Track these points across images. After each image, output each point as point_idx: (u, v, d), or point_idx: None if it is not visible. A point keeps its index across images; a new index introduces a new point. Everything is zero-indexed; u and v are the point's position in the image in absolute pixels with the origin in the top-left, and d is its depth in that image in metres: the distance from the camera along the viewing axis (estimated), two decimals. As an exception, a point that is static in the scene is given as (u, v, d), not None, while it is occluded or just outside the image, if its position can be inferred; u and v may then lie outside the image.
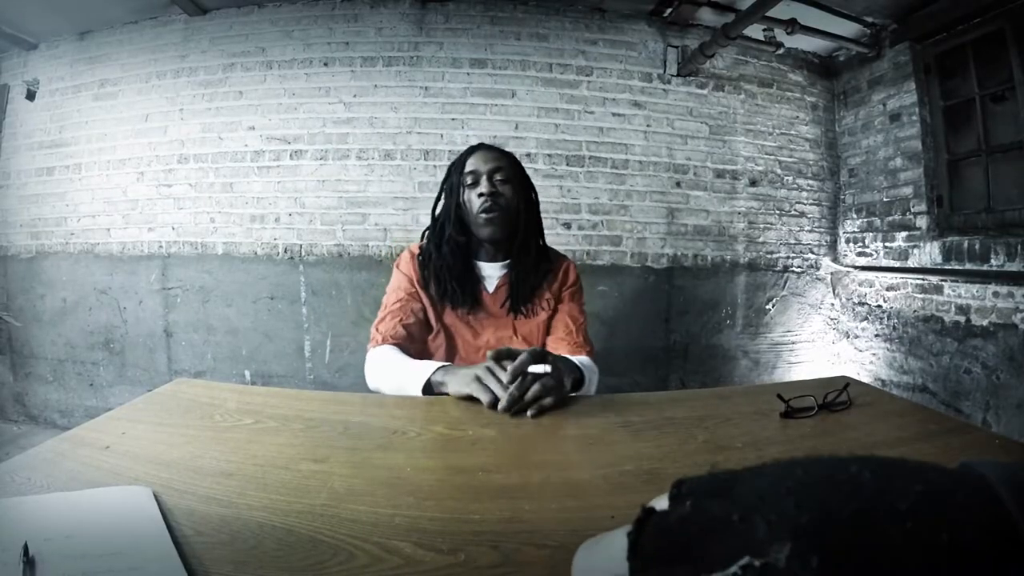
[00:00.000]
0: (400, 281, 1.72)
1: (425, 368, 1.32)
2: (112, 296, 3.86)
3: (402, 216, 3.62)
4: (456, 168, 1.68)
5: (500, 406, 1.10)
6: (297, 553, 0.61)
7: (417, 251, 1.75)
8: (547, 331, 1.74)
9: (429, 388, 1.29)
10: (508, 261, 1.71)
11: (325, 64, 3.66)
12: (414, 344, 1.63)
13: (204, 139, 3.72)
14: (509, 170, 1.66)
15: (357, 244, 3.64)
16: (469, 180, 1.63)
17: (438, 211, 1.72)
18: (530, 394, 1.12)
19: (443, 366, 1.32)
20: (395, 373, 1.43)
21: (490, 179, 1.61)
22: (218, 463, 0.85)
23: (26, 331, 4.04)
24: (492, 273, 1.71)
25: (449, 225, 1.65)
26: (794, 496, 0.30)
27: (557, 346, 1.66)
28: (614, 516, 0.70)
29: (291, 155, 3.67)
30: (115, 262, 3.85)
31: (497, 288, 1.71)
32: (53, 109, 3.95)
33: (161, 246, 3.79)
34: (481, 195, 1.60)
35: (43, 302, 3.99)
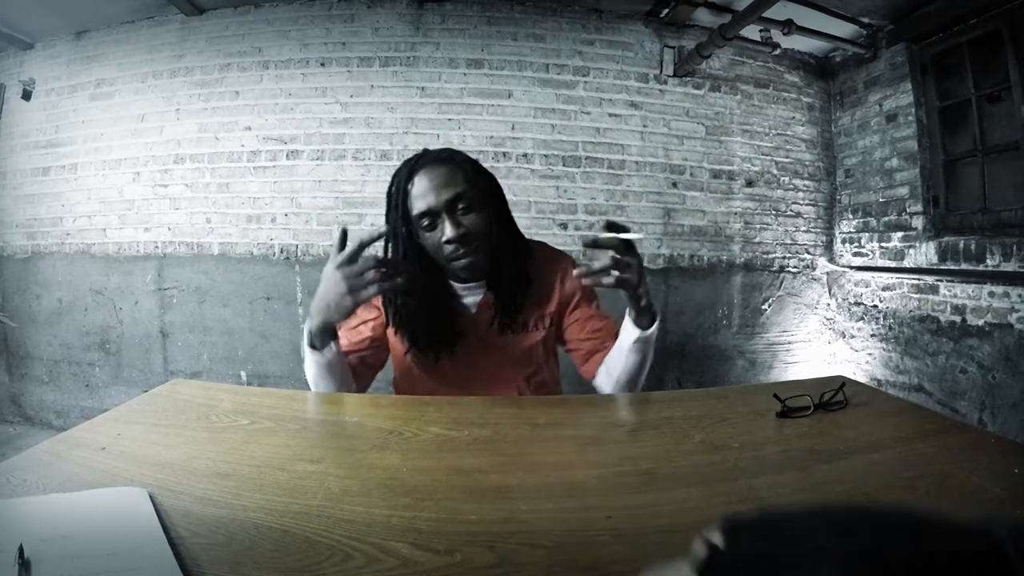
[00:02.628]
0: (364, 310, 1.42)
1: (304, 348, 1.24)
2: (108, 296, 3.85)
3: (399, 216, 3.61)
4: (399, 205, 1.32)
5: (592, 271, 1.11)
6: (293, 554, 0.61)
7: None
8: (546, 350, 1.51)
9: (320, 344, 1.22)
10: (484, 280, 1.43)
11: (322, 64, 3.65)
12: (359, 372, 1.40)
13: (200, 139, 3.72)
14: (469, 190, 1.31)
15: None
16: (425, 222, 1.29)
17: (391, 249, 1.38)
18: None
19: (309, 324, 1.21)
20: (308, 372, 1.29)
21: (451, 214, 1.28)
22: (214, 464, 0.85)
23: (22, 332, 4.03)
24: (471, 293, 1.44)
25: (413, 264, 1.33)
26: (852, 542, 0.32)
27: (594, 347, 1.44)
28: (610, 516, 0.70)
29: (287, 155, 3.66)
30: (111, 262, 3.84)
31: (480, 307, 1.44)
32: (49, 109, 3.94)
33: (157, 246, 3.78)
34: (448, 241, 1.28)
35: (39, 302, 3.98)
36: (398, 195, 1.32)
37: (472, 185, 1.32)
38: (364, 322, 1.43)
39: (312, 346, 1.21)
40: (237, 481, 0.79)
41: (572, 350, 1.50)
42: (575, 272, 1.05)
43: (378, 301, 1.41)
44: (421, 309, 1.36)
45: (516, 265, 1.41)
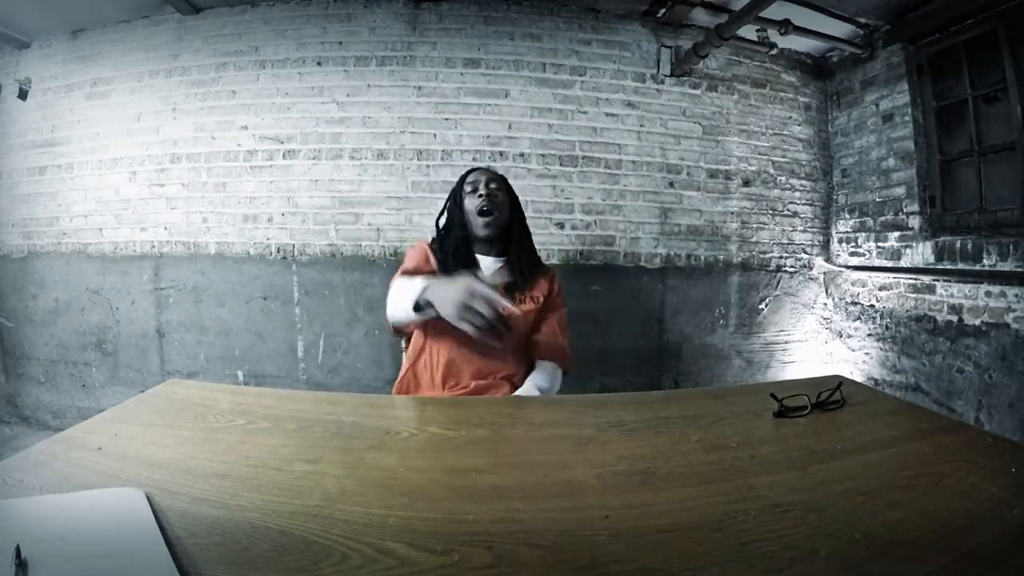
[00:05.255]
0: (415, 254, 1.97)
1: (413, 288, 1.59)
2: (104, 296, 3.84)
3: (395, 216, 3.61)
4: (458, 184, 2.01)
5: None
6: (290, 554, 0.61)
7: (431, 248, 2.00)
8: (532, 323, 1.95)
9: (419, 307, 1.57)
10: (504, 257, 1.97)
11: (318, 63, 3.65)
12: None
13: (197, 138, 3.71)
14: (502, 185, 2.00)
15: (350, 244, 3.64)
16: (469, 188, 1.95)
17: (443, 220, 2.02)
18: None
19: (429, 284, 1.55)
20: (397, 295, 1.69)
21: (487, 186, 1.93)
22: (211, 464, 0.85)
23: (18, 332, 4.02)
24: (489, 265, 1.95)
25: (454, 227, 1.96)
26: None
27: (536, 341, 1.94)
28: (608, 516, 0.70)
29: (284, 155, 3.65)
30: (107, 262, 3.83)
31: (495, 276, 1.93)
32: (45, 108, 3.93)
33: (153, 246, 3.77)
34: (480, 195, 1.90)
35: (35, 302, 3.97)
36: (459, 183, 2.01)
37: (501, 184, 2.01)
38: (421, 269, 1.89)
39: (417, 308, 1.58)
40: (234, 481, 0.79)
41: (531, 337, 1.97)
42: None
43: (429, 257, 1.95)
44: (456, 257, 1.89)
45: (525, 252, 2.00)
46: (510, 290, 1.88)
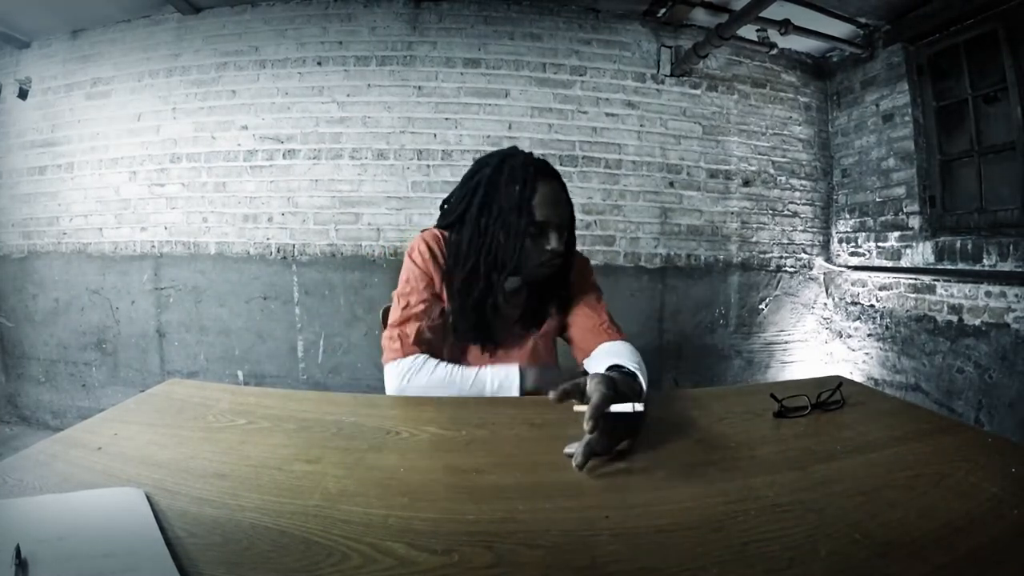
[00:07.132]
0: (420, 279, 1.45)
1: (512, 375, 1.35)
2: (104, 296, 3.84)
3: (395, 216, 3.61)
4: (517, 202, 1.37)
5: (575, 462, 0.83)
6: (290, 554, 0.61)
7: (441, 240, 1.49)
8: (556, 335, 1.60)
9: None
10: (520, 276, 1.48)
11: (319, 63, 3.65)
12: (432, 350, 1.44)
13: (197, 138, 3.71)
14: (572, 212, 1.46)
15: (350, 244, 3.63)
16: (534, 230, 1.37)
17: (468, 230, 1.43)
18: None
19: (522, 370, 1.36)
20: (461, 384, 1.33)
21: (560, 230, 1.39)
22: (211, 464, 0.84)
23: (18, 331, 4.02)
24: (510, 286, 1.48)
25: (501, 273, 1.42)
26: None
27: (585, 338, 1.50)
28: (608, 516, 0.70)
29: (284, 154, 3.65)
30: (107, 262, 3.83)
31: (512, 298, 1.50)
32: (45, 108, 3.93)
33: (153, 246, 3.77)
34: (553, 251, 1.38)
35: (35, 302, 3.97)
36: (519, 200, 1.36)
37: (570, 217, 1.46)
38: (432, 294, 1.45)
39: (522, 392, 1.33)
40: (234, 481, 0.78)
41: (570, 340, 1.57)
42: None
43: (438, 271, 1.46)
44: (472, 313, 1.43)
45: (560, 279, 1.51)
46: (526, 325, 1.52)
